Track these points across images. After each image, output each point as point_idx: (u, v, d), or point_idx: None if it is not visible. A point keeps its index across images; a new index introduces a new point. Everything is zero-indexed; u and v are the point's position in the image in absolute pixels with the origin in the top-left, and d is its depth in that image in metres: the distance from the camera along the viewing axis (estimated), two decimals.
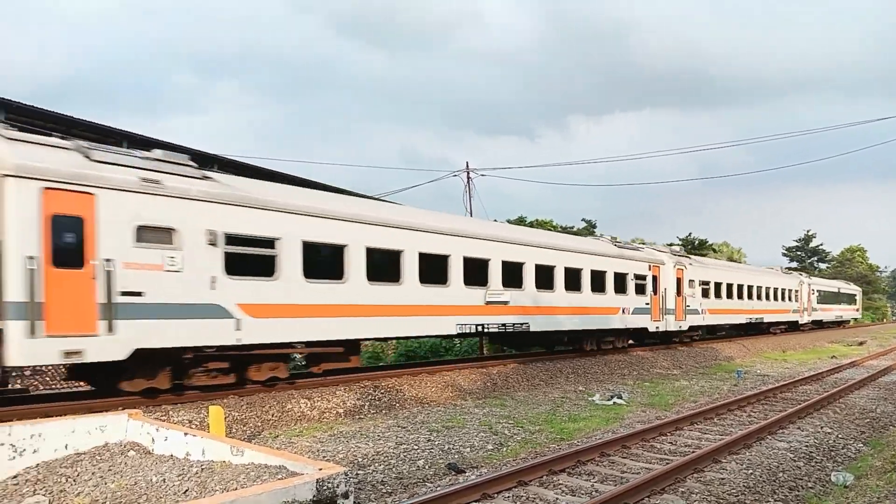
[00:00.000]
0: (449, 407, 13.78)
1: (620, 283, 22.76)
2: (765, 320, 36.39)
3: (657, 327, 25.04)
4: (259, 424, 11.19)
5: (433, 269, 15.68)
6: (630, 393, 16.61)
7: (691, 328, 28.03)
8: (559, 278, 19.78)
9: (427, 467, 9.01)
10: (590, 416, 13.33)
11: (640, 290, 23.95)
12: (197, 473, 6.25)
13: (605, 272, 21.88)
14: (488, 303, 17.07)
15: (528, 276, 18.59)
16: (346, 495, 5.39)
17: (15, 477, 6.88)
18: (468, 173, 37.72)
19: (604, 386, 17.87)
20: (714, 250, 59.41)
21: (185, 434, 7.26)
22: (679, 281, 26.51)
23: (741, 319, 33.42)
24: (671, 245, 28.06)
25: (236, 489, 5.49)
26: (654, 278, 24.90)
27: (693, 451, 9.64)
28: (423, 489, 7.98)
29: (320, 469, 5.54)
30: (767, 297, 36.63)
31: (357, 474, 8.40)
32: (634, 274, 23.55)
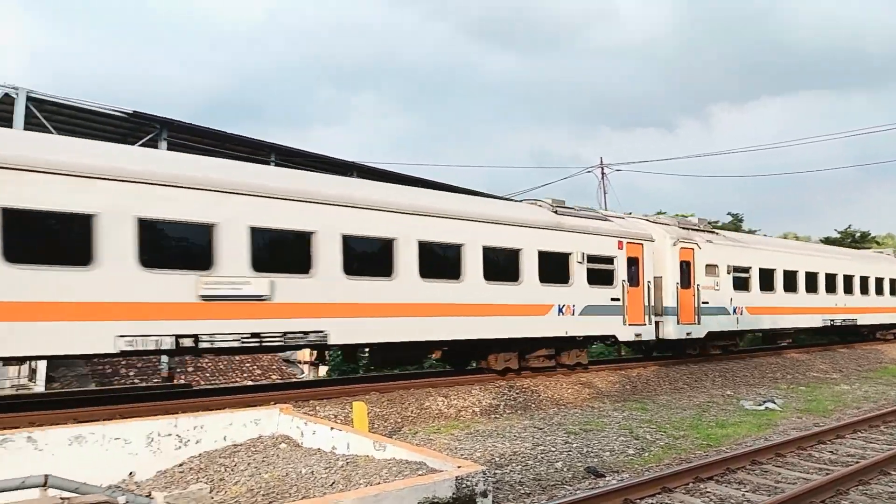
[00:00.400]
0: (586, 409, 13.51)
1: (557, 268, 15.21)
2: (858, 322, 26.38)
3: (637, 334, 16.98)
4: (399, 421, 11.50)
5: (52, 238, 9.31)
6: (784, 398, 15.55)
7: (712, 335, 19.43)
8: (407, 257, 12.56)
9: (565, 470, 8.87)
10: (739, 421, 12.60)
11: (602, 278, 16.17)
12: (342, 467, 6.50)
13: (521, 250, 14.44)
14: (207, 298, 10.23)
15: (326, 252, 11.55)
16: (484, 494, 5.40)
17: (180, 465, 7.43)
18: (602, 169, 36.95)
19: (754, 390, 16.85)
20: (877, 243, 54.43)
21: (332, 428, 7.56)
22: (687, 266, 18.42)
23: (811, 322, 23.64)
24: (681, 215, 21.29)
25: (379, 483, 5.65)
26: (634, 261, 16.97)
27: (857, 461, 8.87)
28: (562, 492, 7.86)
29: (459, 467, 5.59)
30: (864, 291, 26.93)
31: (495, 473, 8.41)
32: (587, 254, 15.71)
